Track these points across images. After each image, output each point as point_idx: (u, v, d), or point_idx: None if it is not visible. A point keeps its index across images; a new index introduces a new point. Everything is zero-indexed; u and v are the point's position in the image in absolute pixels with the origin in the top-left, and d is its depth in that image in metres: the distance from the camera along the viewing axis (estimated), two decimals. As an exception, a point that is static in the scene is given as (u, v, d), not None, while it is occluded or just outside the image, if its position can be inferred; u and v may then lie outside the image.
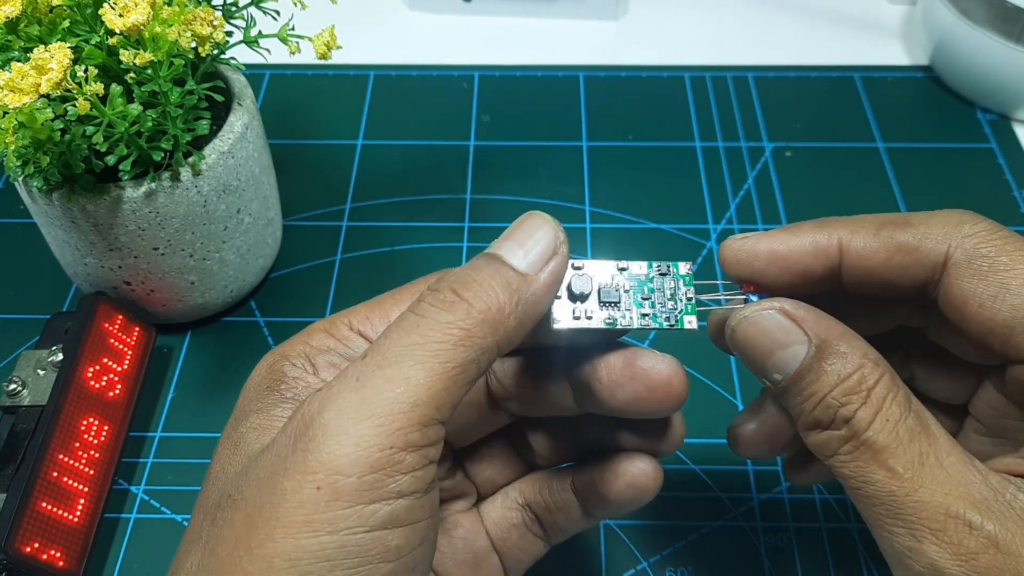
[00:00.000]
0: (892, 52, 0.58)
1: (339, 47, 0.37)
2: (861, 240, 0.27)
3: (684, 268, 0.27)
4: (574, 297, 0.27)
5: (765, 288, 0.27)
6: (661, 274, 0.27)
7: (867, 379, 0.24)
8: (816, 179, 0.50)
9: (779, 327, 0.25)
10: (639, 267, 0.27)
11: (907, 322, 0.29)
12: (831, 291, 0.28)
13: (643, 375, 0.27)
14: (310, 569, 0.20)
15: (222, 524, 0.22)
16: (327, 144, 0.53)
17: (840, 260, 0.27)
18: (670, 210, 0.49)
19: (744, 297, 0.28)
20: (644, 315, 0.27)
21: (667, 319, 0.27)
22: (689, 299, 0.27)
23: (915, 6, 0.60)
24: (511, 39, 0.60)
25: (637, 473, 0.28)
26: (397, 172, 0.51)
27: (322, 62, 0.37)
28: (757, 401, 0.30)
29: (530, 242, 0.25)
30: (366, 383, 0.22)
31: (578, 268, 0.27)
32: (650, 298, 0.27)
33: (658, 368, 0.27)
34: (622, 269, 0.27)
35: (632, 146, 0.52)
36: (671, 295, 0.27)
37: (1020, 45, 0.50)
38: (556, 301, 0.26)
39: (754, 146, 0.52)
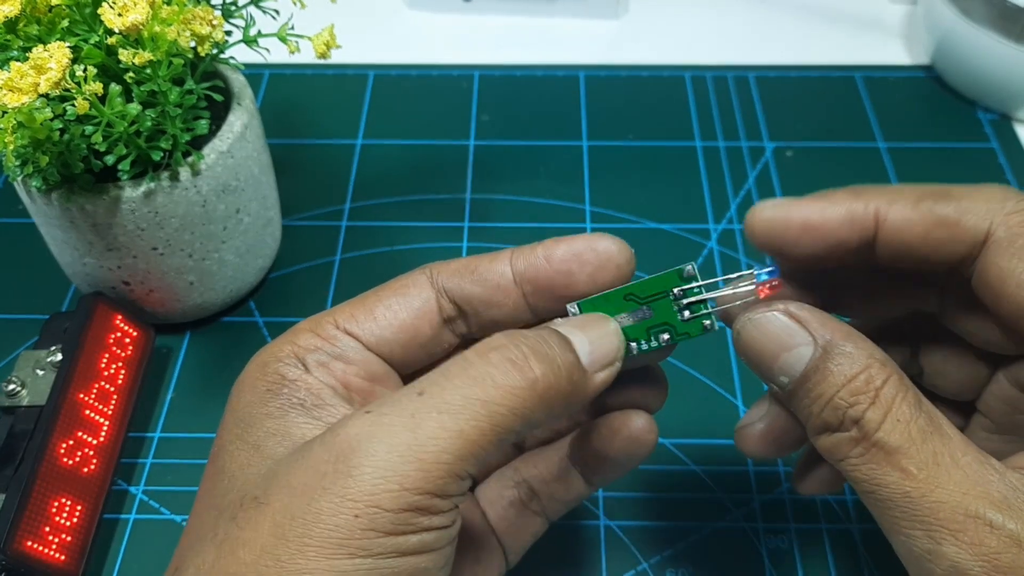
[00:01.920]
0: (893, 52, 0.58)
1: (338, 46, 0.37)
2: (899, 211, 0.26)
3: (687, 271, 0.26)
4: None
5: (786, 263, 0.27)
6: (664, 295, 0.26)
7: (875, 379, 0.24)
8: (817, 179, 0.50)
9: (784, 329, 0.25)
10: (642, 289, 0.27)
11: (923, 307, 0.29)
12: (856, 266, 0.27)
13: (589, 253, 0.27)
14: None
15: (244, 526, 0.22)
16: (327, 144, 0.53)
17: (875, 232, 0.26)
18: (670, 210, 0.49)
19: (752, 274, 0.26)
20: (662, 338, 0.27)
21: (682, 333, 0.27)
22: (691, 304, 0.26)
23: (916, 5, 0.59)
24: (511, 38, 0.60)
25: (635, 427, 0.28)
26: (397, 172, 0.51)
27: (321, 61, 0.37)
28: (764, 400, 0.30)
29: (598, 344, 0.26)
30: (421, 424, 0.22)
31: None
32: (661, 321, 0.27)
33: (601, 244, 0.27)
34: (628, 297, 0.27)
35: (632, 146, 0.52)
36: (678, 308, 0.27)
37: (1021, 44, 0.50)
38: None
39: (755, 146, 0.52)
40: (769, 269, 0.26)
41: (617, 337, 0.26)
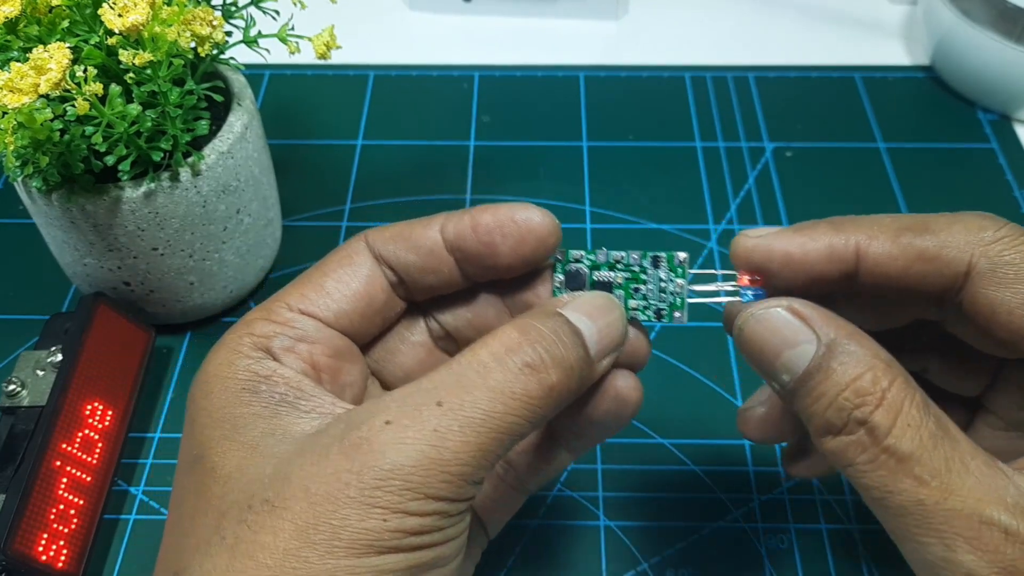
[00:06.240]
0: (893, 52, 0.58)
1: (339, 47, 0.37)
2: (879, 246, 0.26)
3: (679, 259, 0.27)
4: (569, 286, 0.28)
5: (763, 284, 0.27)
6: (655, 265, 0.27)
7: (880, 380, 0.23)
8: (817, 179, 0.50)
9: (787, 325, 0.25)
10: (635, 257, 0.27)
11: (925, 316, 0.29)
12: (841, 293, 0.27)
13: (510, 225, 0.27)
14: None
15: (259, 529, 0.22)
16: (327, 144, 0.53)
17: (857, 266, 0.26)
18: (670, 210, 0.49)
19: (737, 288, 0.27)
20: (634, 308, 0.27)
21: (656, 313, 0.27)
22: (679, 292, 0.27)
23: (916, 6, 0.59)
24: (511, 39, 0.60)
25: (622, 386, 0.28)
26: (397, 172, 0.51)
27: (322, 62, 0.37)
28: (767, 385, 0.29)
29: (606, 332, 0.26)
30: (445, 441, 0.23)
31: (576, 260, 0.27)
32: (641, 289, 0.27)
33: (521, 215, 0.27)
34: (617, 261, 0.27)
35: (632, 146, 0.52)
36: (662, 288, 0.27)
37: (1021, 45, 0.50)
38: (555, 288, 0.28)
39: (755, 146, 0.52)
40: (756, 292, 0.27)
41: (623, 324, 0.27)
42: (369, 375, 0.29)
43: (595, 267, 0.28)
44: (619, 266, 0.27)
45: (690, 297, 0.27)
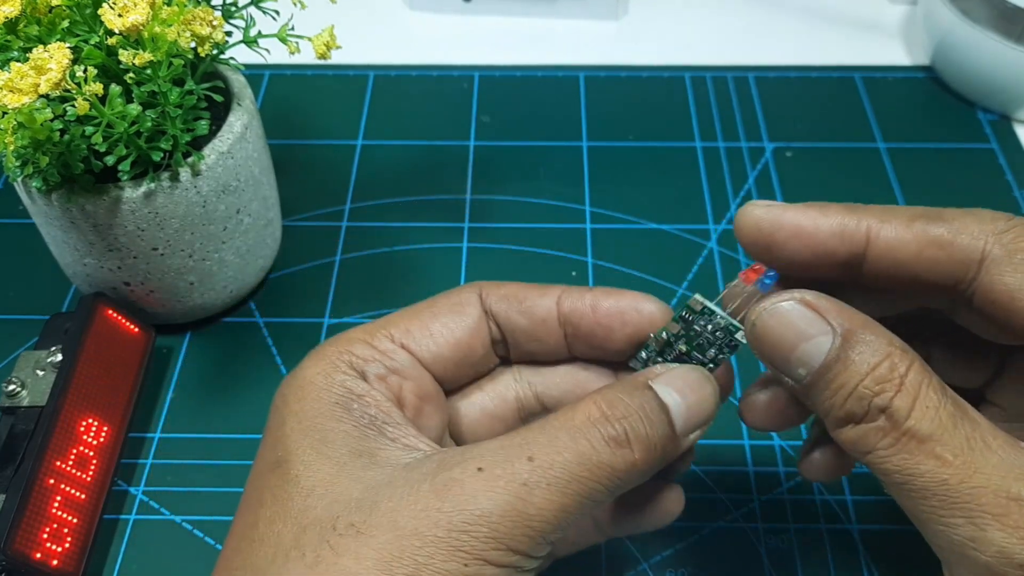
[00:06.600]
0: (893, 52, 0.58)
1: (339, 47, 0.37)
2: (892, 230, 0.26)
3: (697, 306, 0.27)
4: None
5: (774, 267, 0.27)
6: (688, 322, 0.27)
7: (898, 367, 0.23)
8: (817, 179, 0.50)
9: (802, 318, 0.24)
10: (674, 326, 0.27)
11: (929, 306, 0.29)
12: (840, 280, 0.27)
13: (633, 314, 0.28)
14: None
15: (343, 553, 0.22)
16: (327, 144, 0.53)
17: (866, 248, 0.26)
18: (670, 210, 0.49)
19: (755, 282, 0.27)
20: (712, 359, 0.28)
21: (729, 347, 0.27)
22: (726, 322, 0.27)
23: (916, 6, 0.59)
24: (511, 39, 0.60)
25: (668, 501, 0.29)
26: (397, 172, 0.51)
27: (322, 62, 0.37)
28: (770, 372, 0.30)
29: (696, 409, 0.26)
30: (533, 496, 0.23)
31: (646, 360, 0.28)
32: (703, 343, 0.27)
33: (646, 307, 0.28)
34: (667, 341, 0.28)
35: (632, 146, 0.52)
36: (711, 330, 0.27)
37: (1021, 45, 0.50)
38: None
39: (755, 146, 0.52)
40: (771, 273, 0.27)
41: (714, 400, 0.27)
42: (447, 425, 0.30)
43: (661, 353, 0.28)
44: (673, 340, 0.28)
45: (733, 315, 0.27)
